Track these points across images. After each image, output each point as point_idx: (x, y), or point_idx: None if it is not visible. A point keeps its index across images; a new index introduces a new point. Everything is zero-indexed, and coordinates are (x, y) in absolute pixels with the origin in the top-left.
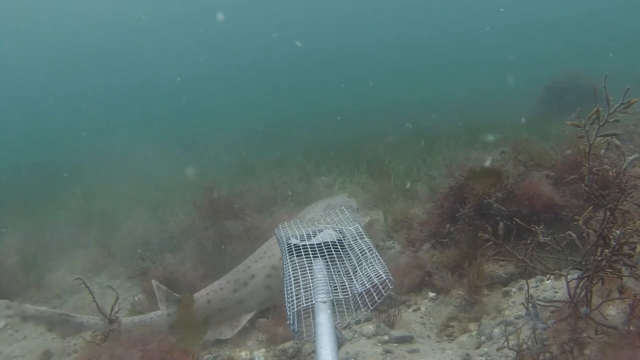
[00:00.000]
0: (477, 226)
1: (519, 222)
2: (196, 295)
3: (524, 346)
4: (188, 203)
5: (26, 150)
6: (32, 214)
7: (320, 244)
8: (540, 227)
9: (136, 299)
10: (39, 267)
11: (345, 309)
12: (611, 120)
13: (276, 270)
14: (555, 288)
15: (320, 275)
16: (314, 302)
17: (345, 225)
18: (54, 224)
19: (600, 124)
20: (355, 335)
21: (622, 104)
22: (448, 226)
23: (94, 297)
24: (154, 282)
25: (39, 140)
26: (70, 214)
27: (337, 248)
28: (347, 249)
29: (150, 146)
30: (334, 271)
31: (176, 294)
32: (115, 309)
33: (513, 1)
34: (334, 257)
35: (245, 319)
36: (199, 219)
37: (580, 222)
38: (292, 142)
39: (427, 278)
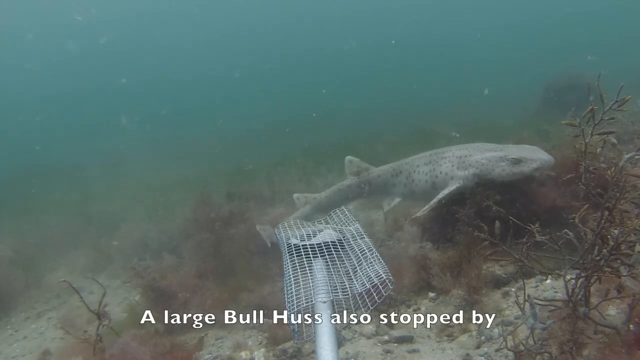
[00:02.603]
0: (476, 226)
1: (516, 221)
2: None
3: (521, 347)
4: (187, 203)
5: (26, 150)
6: (32, 214)
7: (320, 243)
8: (536, 225)
9: (135, 299)
10: (39, 267)
11: (345, 309)
12: (607, 118)
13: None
14: (555, 288)
15: (320, 275)
16: (314, 302)
17: (345, 225)
18: (53, 224)
19: (596, 122)
20: (355, 335)
21: (617, 101)
22: (450, 229)
23: (81, 297)
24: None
25: (38, 141)
26: (70, 214)
27: (337, 248)
28: (347, 249)
29: (149, 145)
30: (334, 271)
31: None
32: (103, 304)
33: (513, 1)
34: (334, 257)
35: (395, 201)
36: (196, 228)
37: (576, 219)
38: (291, 142)
39: (427, 278)
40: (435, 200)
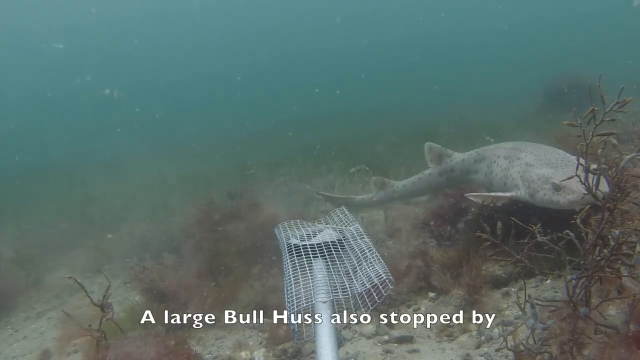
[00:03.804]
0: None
1: (517, 221)
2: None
3: (521, 347)
4: (187, 203)
5: (26, 149)
6: (32, 214)
7: (320, 243)
8: (537, 226)
9: (135, 299)
10: (39, 267)
11: (345, 309)
12: (607, 119)
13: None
14: (555, 288)
15: (320, 275)
16: (314, 302)
17: (345, 225)
18: (53, 224)
19: (597, 123)
20: (355, 335)
21: (617, 102)
22: (449, 228)
23: (87, 292)
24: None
25: (38, 140)
26: (70, 214)
27: (337, 248)
28: (347, 249)
29: (150, 145)
30: (334, 271)
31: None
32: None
33: (513, 1)
34: (334, 257)
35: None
36: (197, 228)
37: (577, 220)
38: (291, 142)
39: (428, 275)
40: (489, 194)
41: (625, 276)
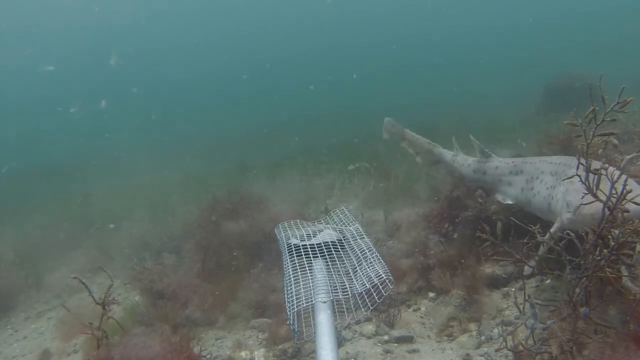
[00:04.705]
0: (476, 228)
1: (517, 221)
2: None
3: (520, 347)
4: (188, 203)
5: (26, 150)
6: (32, 214)
7: (320, 243)
8: (537, 226)
9: (135, 299)
10: (39, 267)
11: (345, 309)
12: (608, 119)
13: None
14: (555, 288)
15: (320, 275)
16: (314, 302)
17: (345, 225)
18: (53, 224)
19: (597, 123)
20: (355, 335)
21: (618, 103)
22: (447, 225)
23: (90, 291)
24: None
25: (38, 140)
26: (70, 214)
27: (337, 248)
28: (347, 249)
29: (150, 146)
30: (334, 271)
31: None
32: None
33: (513, 0)
34: (334, 257)
35: (507, 201)
36: (197, 229)
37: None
38: (291, 143)
39: (428, 276)
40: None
41: (625, 276)
